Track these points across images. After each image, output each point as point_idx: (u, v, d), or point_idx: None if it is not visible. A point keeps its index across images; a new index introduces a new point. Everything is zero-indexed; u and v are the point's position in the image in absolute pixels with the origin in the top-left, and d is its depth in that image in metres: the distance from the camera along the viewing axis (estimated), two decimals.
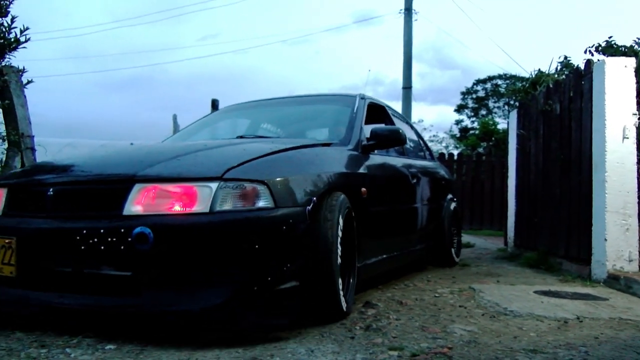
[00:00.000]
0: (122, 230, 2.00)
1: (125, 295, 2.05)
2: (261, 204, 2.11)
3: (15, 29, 4.62)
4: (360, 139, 3.24)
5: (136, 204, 2.07)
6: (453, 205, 5.10)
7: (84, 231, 2.05)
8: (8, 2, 4.58)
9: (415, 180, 4.03)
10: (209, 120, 4.12)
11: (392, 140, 3.28)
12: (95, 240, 2.03)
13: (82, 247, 2.05)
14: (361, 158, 3.14)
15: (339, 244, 2.42)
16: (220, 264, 2.01)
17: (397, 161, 3.85)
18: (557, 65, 5.46)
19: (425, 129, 25.39)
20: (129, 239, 1.98)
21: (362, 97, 3.75)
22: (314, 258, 2.29)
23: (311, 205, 2.31)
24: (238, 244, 2.02)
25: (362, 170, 3.04)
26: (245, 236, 2.04)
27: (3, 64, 4.78)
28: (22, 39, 4.66)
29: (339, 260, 2.40)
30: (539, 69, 5.69)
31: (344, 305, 2.45)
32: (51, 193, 2.24)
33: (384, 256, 3.36)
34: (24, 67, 4.89)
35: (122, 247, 2.00)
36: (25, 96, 4.91)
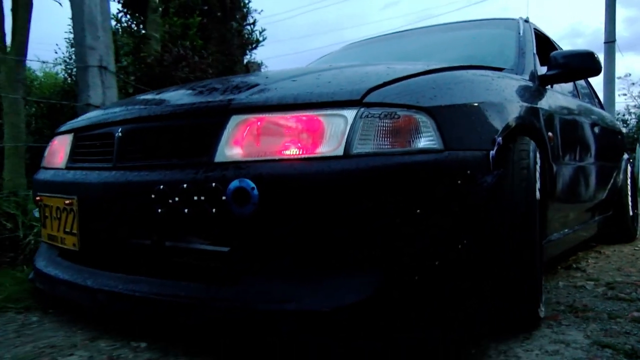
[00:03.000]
0: (213, 184, 1.30)
1: (216, 283, 1.37)
2: (423, 143, 1.32)
3: (255, 32, 4.84)
4: (534, 69, 2.32)
5: (233, 145, 1.36)
6: (629, 167, 3.98)
7: (161, 186, 1.39)
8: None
9: (597, 131, 3.02)
10: (335, 56, 3.30)
11: (583, 69, 2.32)
12: (176, 199, 1.36)
13: (159, 210, 1.39)
14: (540, 91, 2.22)
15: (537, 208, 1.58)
16: (360, 239, 1.26)
17: (576, 103, 2.86)
18: None
19: (633, 83, 23.78)
20: (223, 198, 1.29)
21: (526, 21, 2.80)
22: (501, 234, 1.48)
23: (495, 149, 1.48)
24: (387, 206, 1.25)
25: (544, 107, 2.13)
26: (398, 194, 1.26)
27: (247, 60, 5.12)
28: (261, 38, 4.93)
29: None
30: None
31: (542, 309, 1.61)
32: (119, 134, 1.60)
33: (566, 231, 2.43)
34: (261, 62, 5.09)
35: (213, 210, 1.31)
36: None
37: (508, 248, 1.48)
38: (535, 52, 2.46)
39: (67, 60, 11.04)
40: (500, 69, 2.10)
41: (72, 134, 1.87)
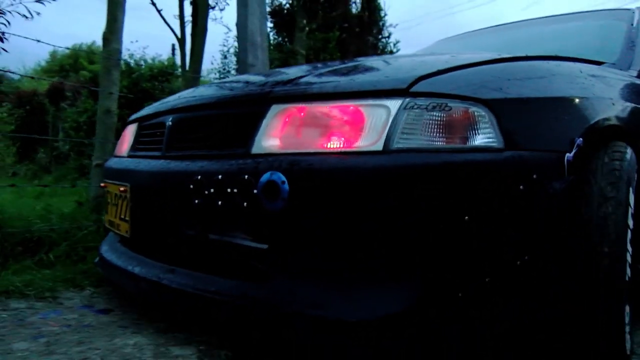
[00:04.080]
0: (246, 176, 1.23)
1: (250, 281, 1.29)
2: (479, 140, 1.15)
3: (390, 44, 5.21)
4: None
5: (271, 136, 1.27)
6: None
7: (199, 177, 1.34)
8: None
9: None
10: (424, 50, 3.11)
11: None
12: (211, 191, 1.30)
13: (196, 201, 1.34)
14: None
15: (629, 239, 1.32)
16: (395, 246, 1.12)
17: None
18: None
19: None
20: (255, 191, 1.21)
21: None
22: (577, 254, 1.25)
23: (573, 152, 1.26)
24: (428, 211, 1.10)
25: None
26: (443, 198, 1.10)
27: None
28: (395, 49, 5.28)
29: (628, 268, 1.31)
30: None
31: (628, 345, 1.35)
32: (169, 123, 1.58)
33: None
34: None
35: (245, 204, 1.23)
36: None
37: (586, 273, 1.25)
38: None
39: (221, 71, 12.14)
40: (598, 63, 1.83)
41: (137, 123, 1.90)
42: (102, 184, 1.92)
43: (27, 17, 2.99)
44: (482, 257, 1.13)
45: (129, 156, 1.82)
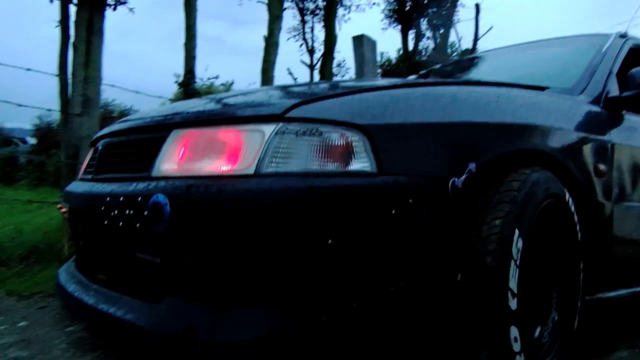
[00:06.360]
0: (139, 198, 1.28)
1: (147, 301, 1.33)
2: (352, 165, 1.16)
3: None
4: (605, 90, 1.94)
5: (169, 160, 1.32)
6: None
7: (107, 198, 1.40)
8: None
9: None
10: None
11: None
12: (115, 212, 1.36)
13: (105, 221, 1.40)
14: (603, 116, 1.85)
15: (517, 264, 1.27)
16: (261, 270, 1.13)
17: None
18: None
19: None
20: (145, 213, 1.25)
21: (623, 36, 2.37)
22: (455, 282, 1.23)
23: (463, 178, 1.24)
24: (294, 234, 1.11)
25: (600, 136, 1.76)
26: (305, 222, 1.11)
27: None
28: None
29: (514, 296, 1.26)
30: None
31: None
32: (100, 147, 1.66)
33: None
34: None
35: (137, 225, 1.28)
36: None
37: (463, 305, 1.21)
38: (614, 72, 2.06)
39: None
40: (542, 88, 1.79)
41: (94, 146, 2.00)
42: (58, 207, 2.02)
43: None
44: (349, 281, 1.13)
45: (79, 179, 1.91)
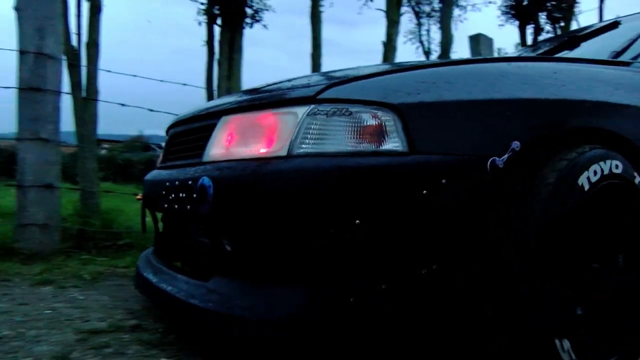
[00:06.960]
0: (190, 182, 1.36)
1: (198, 277, 1.40)
2: (383, 144, 1.14)
3: None
4: None
5: (217, 145, 1.39)
6: None
7: (167, 183, 1.50)
8: None
9: None
10: None
11: None
12: (172, 196, 1.46)
13: (165, 205, 1.50)
14: None
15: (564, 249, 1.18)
16: (291, 249, 1.16)
17: None
18: None
19: None
20: (194, 195, 1.33)
21: None
22: (489, 266, 1.16)
23: (505, 157, 1.18)
24: (324, 214, 1.12)
25: None
26: (339, 201, 1.11)
27: None
28: None
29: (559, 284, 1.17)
30: None
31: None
32: (168, 136, 1.78)
33: None
34: None
35: (188, 207, 1.36)
36: None
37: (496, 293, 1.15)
38: None
39: None
40: (627, 64, 1.64)
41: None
42: (137, 197, 2.18)
43: None
44: (379, 262, 1.12)
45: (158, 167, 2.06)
